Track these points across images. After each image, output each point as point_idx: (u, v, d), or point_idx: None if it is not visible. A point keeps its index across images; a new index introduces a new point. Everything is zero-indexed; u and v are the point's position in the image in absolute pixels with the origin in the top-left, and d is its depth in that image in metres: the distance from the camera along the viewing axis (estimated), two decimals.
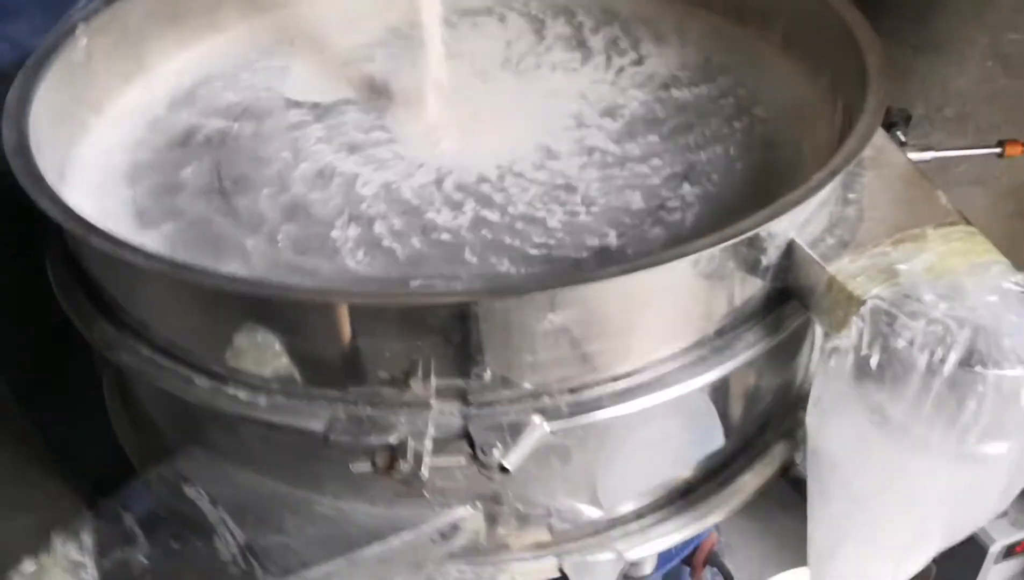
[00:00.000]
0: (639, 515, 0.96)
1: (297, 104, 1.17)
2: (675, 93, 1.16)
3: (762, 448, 1.03)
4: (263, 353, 0.82)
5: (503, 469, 0.77)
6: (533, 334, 0.78)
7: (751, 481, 1.00)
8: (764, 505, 1.04)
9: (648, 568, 1.13)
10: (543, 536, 0.94)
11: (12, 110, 0.99)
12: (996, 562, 1.26)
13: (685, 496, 0.98)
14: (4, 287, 1.34)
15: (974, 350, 0.73)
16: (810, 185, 0.82)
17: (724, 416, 0.97)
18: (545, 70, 1.21)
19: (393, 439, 0.78)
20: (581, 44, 1.26)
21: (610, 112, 1.12)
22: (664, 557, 1.15)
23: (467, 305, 0.75)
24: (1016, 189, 2.19)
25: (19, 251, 1.15)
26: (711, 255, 0.79)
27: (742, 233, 0.78)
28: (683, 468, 0.97)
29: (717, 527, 1.44)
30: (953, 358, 0.73)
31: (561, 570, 0.93)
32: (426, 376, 0.81)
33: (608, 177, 1.02)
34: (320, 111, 1.16)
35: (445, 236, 0.95)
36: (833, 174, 0.83)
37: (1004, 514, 1.25)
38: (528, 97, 1.17)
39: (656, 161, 1.04)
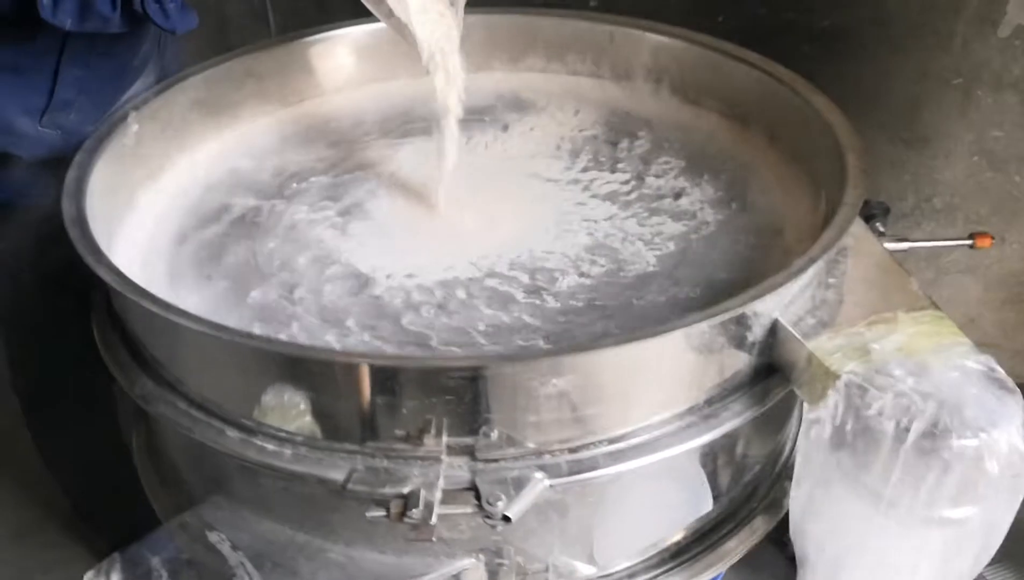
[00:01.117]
0: (631, 574, 1.02)
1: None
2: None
3: (748, 515, 1.09)
4: (289, 410, 0.90)
5: (506, 519, 0.84)
6: (537, 397, 0.86)
7: (737, 547, 1.07)
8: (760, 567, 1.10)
9: None
10: None
11: (71, 187, 1.09)
12: None
13: (675, 557, 1.04)
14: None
15: (938, 420, 0.80)
16: (790, 270, 0.91)
17: (713, 482, 1.04)
18: None
19: (406, 489, 0.86)
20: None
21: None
22: None
23: (477, 369, 0.83)
24: (1006, 278, 2.28)
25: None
26: (700, 331, 0.87)
27: (727, 311, 0.86)
28: (673, 531, 1.04)
29: None
30: (918, 427, 0.80)
31: None
32: (438, 434, 0.88)
33: None
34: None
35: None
36: (812, 261, 0.92)
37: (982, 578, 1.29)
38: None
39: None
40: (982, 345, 2.35)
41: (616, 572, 1.02)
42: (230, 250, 1.16)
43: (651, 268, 1.10)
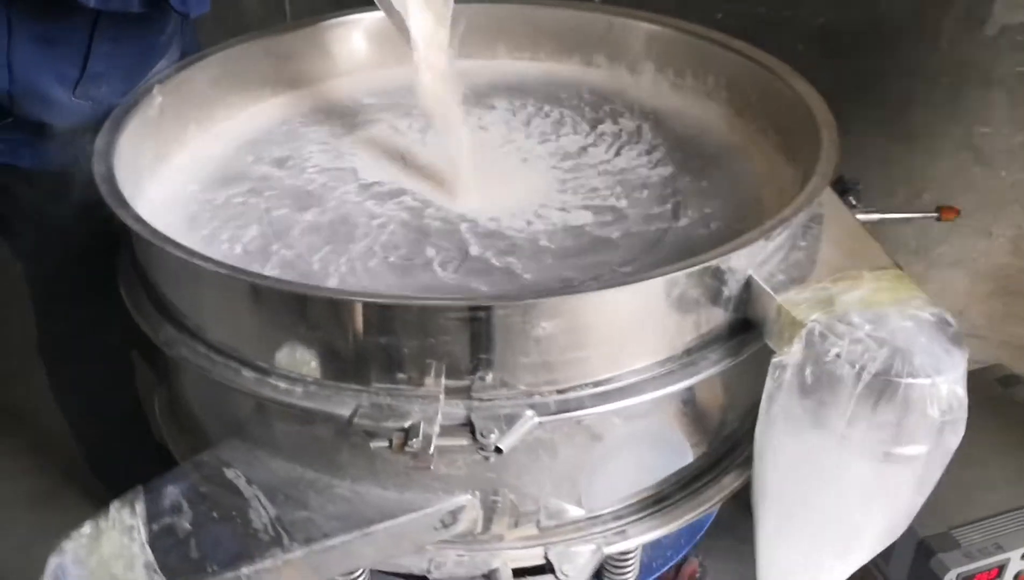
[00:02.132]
0: (617, 516, 1.10)
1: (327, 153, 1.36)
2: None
3: (727, 468, 1.17)
4: (301, 351, 0.99)
5: (498, 450, 0.92)
6: (527, 340, 0.94)
7: (716, 494, 1.14)
8: (744, 537, 1.17)
9: (631, 578, 1.25)
10: (532, 530, 1.08)
11: (101, 149, 1.18)
12: None
13: (657, 503, 1.12)
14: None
15: (890, 365, 0.88)
16: (762, 229, 0.99)
17: (693, 433, 1.11)
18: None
19: (407, 423, 0.93)
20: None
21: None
22: (646, 569, 1.27)
23: (475, 309, 0.92)
24: (993, 271, 2.35)
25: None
26: (677, 280, 0.95)
27: (702, 263, 0.94)
28: (657, 477, 1.11)
29: (699, 556, 1.57)
30: (871, 370, 0.88)
31: (546, 557, 1.06)
32: (437, 376, 0.96)
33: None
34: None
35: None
36: (782, 221, 1.00)
37: (957, 545, 1.37)
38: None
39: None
40: (970, 336, 2.44)
41: (602, 515, 1.10)
42: (244, 212, 1.24)
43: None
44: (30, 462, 2.12)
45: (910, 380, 0.88)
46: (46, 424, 2.08)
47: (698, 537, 1.35)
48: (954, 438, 0.91)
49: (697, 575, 1.43)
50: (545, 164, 1.34)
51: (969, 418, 1.59)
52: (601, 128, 1.43)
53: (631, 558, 1.20)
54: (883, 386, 0.88)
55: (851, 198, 1.20)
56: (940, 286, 2.35)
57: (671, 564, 1.32)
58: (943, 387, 0.88)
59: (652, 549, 1.28)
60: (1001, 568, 1.38)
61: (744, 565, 1.47)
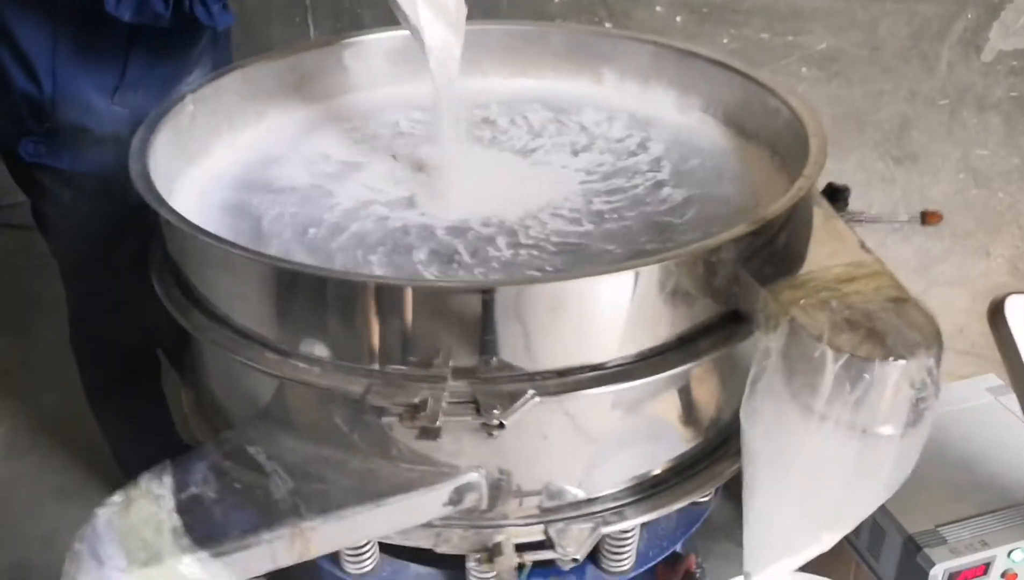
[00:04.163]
0: (615, 498, 1.16)
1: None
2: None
3: (722, 457, 1.23)
4: (320, 334, 1.06)
5: (501, 425, 0.99)
6: (530, 323, 1.01)
7: (710, 480, 1.21)
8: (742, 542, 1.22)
9: (627, 564, 1.31)
10: (534, 510, 1.14)
11: (136, 150, 1.27)
12: None
13: (655, 487, 1.18)
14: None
15: (866, 345, 0.94)
16: (749, 222, 1.06)
17: (688, 420, 1.18)
18: None
19: (416, 400, 1.01)
20: None
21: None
22: (642, 558, 1.33)
23: (482, 291, 0.99)
24: (992, 291, 2.40)
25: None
26: (667, 268, 1.02)
27: (689, 254, 1.02)
28: (653, 462, 1.18)
29: (696, 551, 1.62)
30: (848, 350, 0.94)
31: (547, 534, 1.12)
32: (445, 360, 1.04)
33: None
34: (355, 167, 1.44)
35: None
36: (768, 218, 1.07)
37: (943, 541, 1.42)
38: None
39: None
40: (969, 354, 2.51)
41: (601, 496, 1.16)
42: (266, 210, 1.33)
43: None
44: (60, 460, 2.21)
45: (884, 361, 0.94)
46: (76, 425, 2.17)
47: (693, 529, 1.40)
48: (929, 417, 0.96)
49: (694, 570, 1.48)
50: (546, 173, 1.42)
51: (961, 423, 1.65)
52: (603, 142, 1.51)
53: (628, 542, 1.26)
54: (859, 367, 0.94)
55: (840, 203, 1.27)
56: (940, 304, 2.39)
57: (667, 553, 1.37)
58: (917, 368, 0.94)
59: (648, 538, 1.34)
60: (987, 565, 1.43)
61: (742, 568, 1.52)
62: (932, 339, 0.97)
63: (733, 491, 1.26)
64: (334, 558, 1.30)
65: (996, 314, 1.25)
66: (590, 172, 1.42)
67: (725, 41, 2.30)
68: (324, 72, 1.64)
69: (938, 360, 0.97)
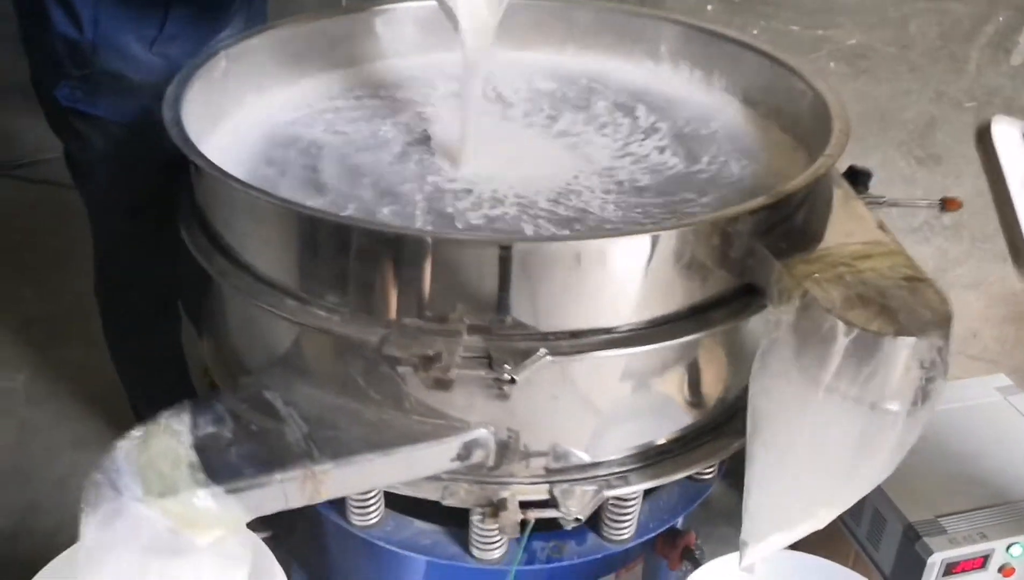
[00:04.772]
0: (620, 463, 1.19)
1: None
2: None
3: (728, 432, 1.25)
4: (340, 283, 1.09)
5: (512, 380, 1.01)
6: (546, 284, 1.03)
7: (714, 453, 1.23)
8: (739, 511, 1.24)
9: (628, 533, 1.33)
10: (540, 471, 1.17)
11: (170, 99, 1.29)
12: (937, 578, 1.43)
13: (659, 455, 1.20)
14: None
15: (878, 321, 0.96)
16: (768, 198, 1.08)
17: (696, 391, 1.20)
18: None
19: (431, 351, 1.03)
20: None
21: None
22: (643, 528, 1.35)
23: (500, 246, 1.01)
24: (1007, 297, 2.41)
25: None
26: (683, 235, 1.04)
27: (706, 223, 1.04)
28: (659, 431, 1.20)
29: (697, 532, 1.64)
30: (859, 324, 0.95)
31: (551, 493, 1.15)
32: (461, 315, 1.06)
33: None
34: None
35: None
36: (787, 193, 1.09)
37: (943, 531, 1.44)
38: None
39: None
40: (982, 359, 2.51)
41: (606, 461, 1.18)
42: (290, 166, 1.35)
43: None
44: (77, 409, 2.26)
45: (895, 337, 0.95)
46: (95, 376, 2.22)
47: (694, 505, 1.42)
48: (936, 396, 0.98)
49: (693, 547, 1.50)
50: (568, 146, 1.44)
51: (968, 419, 1.66)
52: (621, 118, 1.52)
53: (630, 511, 1.29)
54: (869, 342, 0.95)
55: (860, 186, 1.28)
56: (956, 307, 2.40)
57: (667, 526, 1.39)
58: (927, 346, 0.96)
59: (650, 510, 1.36)
60: (986, 558, 1.44)
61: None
62: (944, 319, 0.98)
63: (736, 478, 1.28)
64: (341, 511, 1.33)
65: (983, 136, 1.27)
66: (611, 147, 1.44)
67: (755, 32, 2.32)
68: (355, 38, 1.67)
69: (948, 340, 0.98)
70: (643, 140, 1.45)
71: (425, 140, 1.44)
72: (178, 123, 1.23)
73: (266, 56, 1.55)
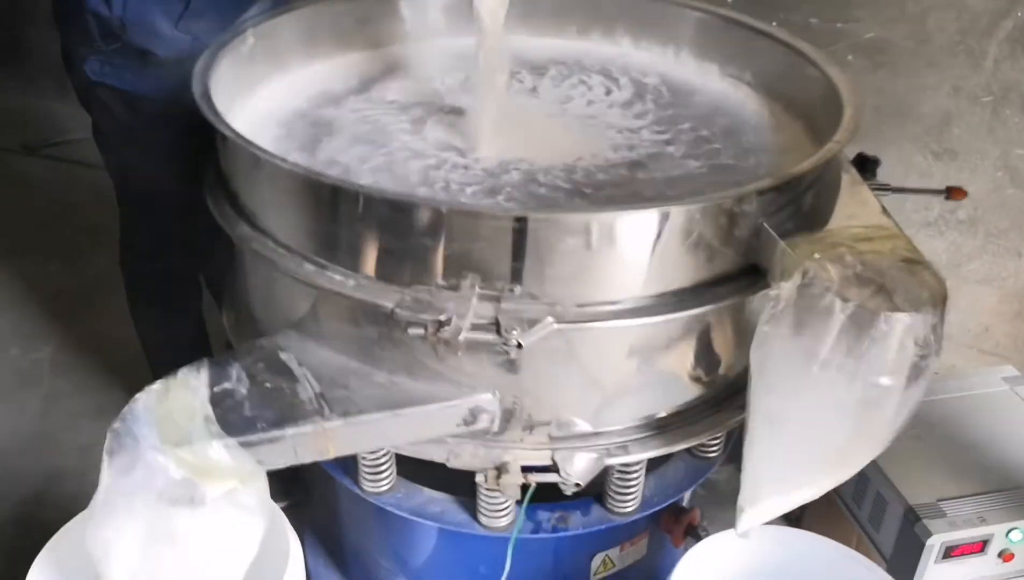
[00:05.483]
0: (621, 434, 1.22)
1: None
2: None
3: (728, 409, 1.28)
4: (357, 249, 1.13)
5: (519, 345, 1.04)
6: (556, 255, 1.06)
7: (713, 427, 1.26)
8: None
9: (632, 506, 1.36)
10: (543, 438, 1.20)
11: (199, 73, 1.33)
12: (936, 561, 1.45)
13: (660, 428, 1.23)
14: None
15: (874, 298, 0.98)
16: (775, 179, 1.11)
17: (698, 366, 1.22)
18: None
19: (442, 316, 1.06)
20: None
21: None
22: (647, 503, 1.38)
23: (514, 218, 1.05)
24: (1021, 292, 2.41)
25: None
26: (691, 212, 1.07)
27: (714, 200, 1.06)
28: (661, 404, 1.23)
29: (703, 502, 1.67)
30: (856, 301, 0.98)
31: (552, 459, 1.18)
32: (472, 285, 1.09)
33: None
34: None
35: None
36: (794, 175, 1.11)
37: (943, 514, 1.45)
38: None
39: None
40: (994, 355, 2.51)
41: (608, 431, 1.21)
42: (313, 141, 1.39)
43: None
44: (101, 380, 2.32)
45: (890, 314, 0.98)
46: (118, 348, 2.27)
47: (699, 482, 1.45)
48: (929, 374, 1.00)
49: (697, 524, 1.53)
50: (583, 126, 1.48)
51: (974, 408, 1.68)
52: (640, 102, 1.55)
53: (633, 483, 1.32)
54: (865, 318, 0.98)
55: (868, 173, 1.31)
56: (968, 302, 2.42)
57: (670, 501, 1.42)
58: (922, 324, 0.98)
59: (654, 484, 1.40)
60: (985, 543, 1.46)
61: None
62: (939, 299, 1.01)
63: (741, 462, 1.31)
64: (354, 478, 1.37)
65: None
66: (625, 128, 1.47)
67: (773, 24, 2.32)
68: (379, 19, 1.70)
69: (942, 319, 1.01)
70: (654, 120, 1.49)
71: (445, 116, 1.48)
72: (206, 95, 1.27)
73: (292, 35, 1.59)
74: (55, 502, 2.03)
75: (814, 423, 1.05)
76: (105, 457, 1.06)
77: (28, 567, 1.28)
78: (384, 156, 1.36)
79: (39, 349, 2.49)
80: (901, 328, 0.98)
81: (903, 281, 1.02)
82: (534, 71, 1.65)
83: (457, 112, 1.50)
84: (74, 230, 2.94)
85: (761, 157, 1.39)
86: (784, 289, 1.04)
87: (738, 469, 1.64)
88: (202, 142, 1.35)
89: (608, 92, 1.58)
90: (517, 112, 1.50)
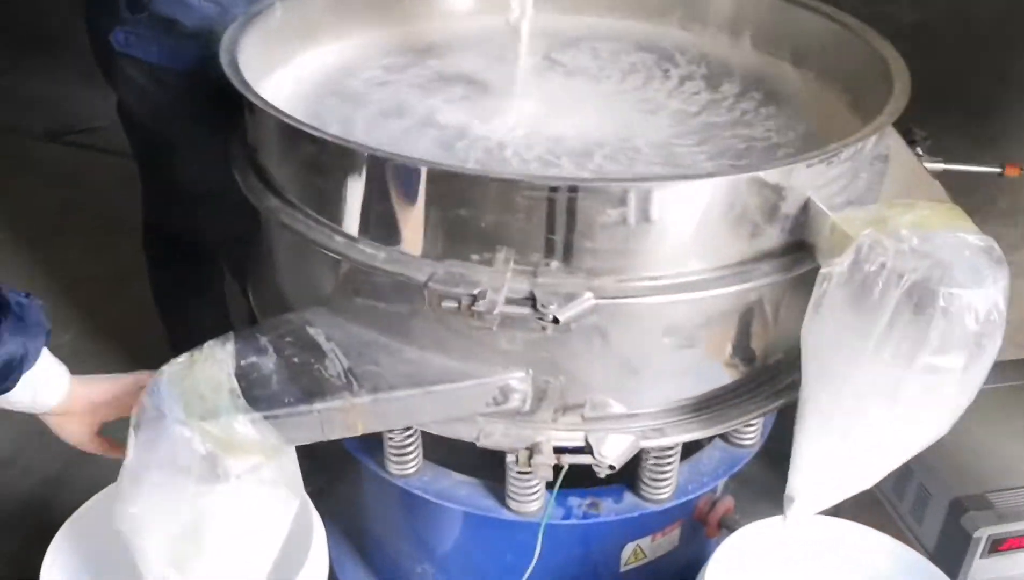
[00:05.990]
0: (656, 416, 1.17)
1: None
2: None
3: (768, 393, 1.23)
4: (389, 220, 1.09)
5: (555, 320, 1.00)
6: (594, 227, 1.02)
7: (752, 410, 1.21)
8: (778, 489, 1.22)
9: (666, 493, 1.31)
10: (576, 416, 1.15)
11: (227, 44, 1.30)
12: (983, 556, 1.39)
13: (696, 411, 1.19)
14: None
15: (930, 276, 0.93)
16: (822, 151, 1.06)
17: (738, 347, 1.18)
18: None
19: (476, 290, 1.02)
20: None
21: None
22: (681, 490, 1.34)
23: (551, 188, 1.00)
24: None
25: None
26: (735, 183, 1.02)
27: (759, 171, 1.02)
28: (698, 386, 1.18)
29: (735, 497, 1.62)
30: (913, 277, 0.93)
31: (586, 441, 1.14)
32: (507, 258, 1.05)
33: None
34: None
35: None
36: (841, 147, 1.07)
37: (990, 506, 1.40)
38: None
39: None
40: None
41: (642, 414, 1.17)
42: (341, 114, 1.36)
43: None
44: (121, 366, 2.27)
45: (949, 290, 0.93)
46: (139, 334, 2.26)
47: (735, 470, 1.40)
48: (992, 350, 0.95)
49: (732, 513, 1.48)
50: (617, 103, 1.43)
51: (1021, 398, 1.62)
52: (675, 79, 1.51)
53: (668, 470, 1.27)
54: (923, 295, 0.93)
55: (918, 148, 1.26)
56: (1011, 295, 2.35)
57: (705, 490, 1.37)
58: (982, 299, 0.93)
59: (689, 472, 1.35)
60: None
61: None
62: (999, 273, 0.96)
63: (776, 456, 1.26)
64: (378, 459, 1.33)
65: None
66: (663, 106, 1.42)
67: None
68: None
69: (1005, 295, 0.96)
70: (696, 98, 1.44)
71: (475, 92, 1.44)
72: (234, 65, 1.24)
73: (321, 8, 1.56)
74: (73, 485, 2.02)
75: (869, 407, 1.00)
76: (131, 431, 1.03)
77: (45, 549, 1.25)
78: (416, 130, 1.32)
79: (59, 336, 2.47)
80: (961, 304, 0.93)
81: (960, 254, 0.97)
82: (566, 48, 1.60)
83: (489, 90, 1.46)
84: (94, 218, 2.94)
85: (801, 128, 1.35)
86: (836, 267, 1.00)
87: (771, 462, 1.59)
88: (228, 115, 1.32)
89: (644, 70, 1.54)
90: (551, 90, 1.46)
